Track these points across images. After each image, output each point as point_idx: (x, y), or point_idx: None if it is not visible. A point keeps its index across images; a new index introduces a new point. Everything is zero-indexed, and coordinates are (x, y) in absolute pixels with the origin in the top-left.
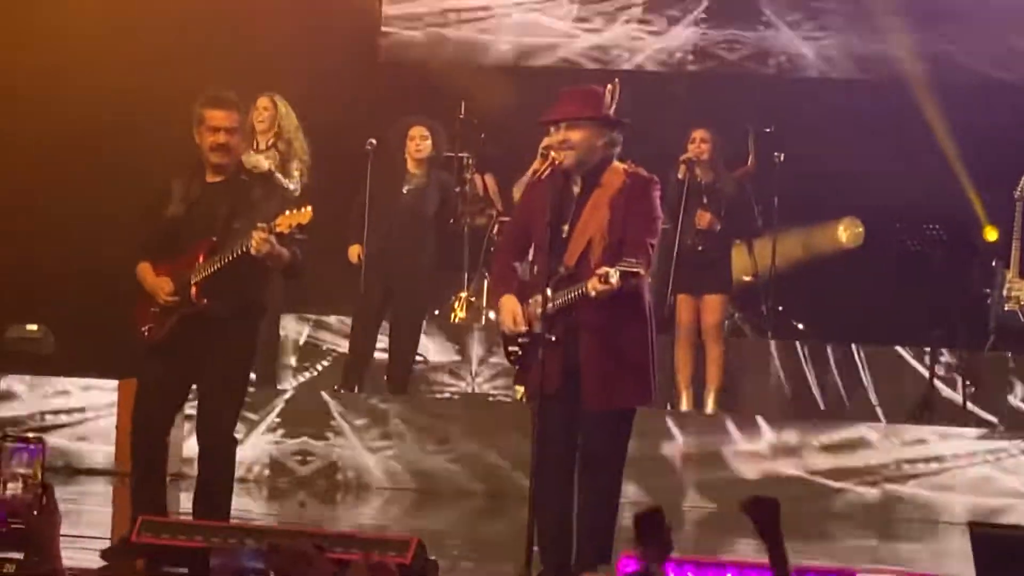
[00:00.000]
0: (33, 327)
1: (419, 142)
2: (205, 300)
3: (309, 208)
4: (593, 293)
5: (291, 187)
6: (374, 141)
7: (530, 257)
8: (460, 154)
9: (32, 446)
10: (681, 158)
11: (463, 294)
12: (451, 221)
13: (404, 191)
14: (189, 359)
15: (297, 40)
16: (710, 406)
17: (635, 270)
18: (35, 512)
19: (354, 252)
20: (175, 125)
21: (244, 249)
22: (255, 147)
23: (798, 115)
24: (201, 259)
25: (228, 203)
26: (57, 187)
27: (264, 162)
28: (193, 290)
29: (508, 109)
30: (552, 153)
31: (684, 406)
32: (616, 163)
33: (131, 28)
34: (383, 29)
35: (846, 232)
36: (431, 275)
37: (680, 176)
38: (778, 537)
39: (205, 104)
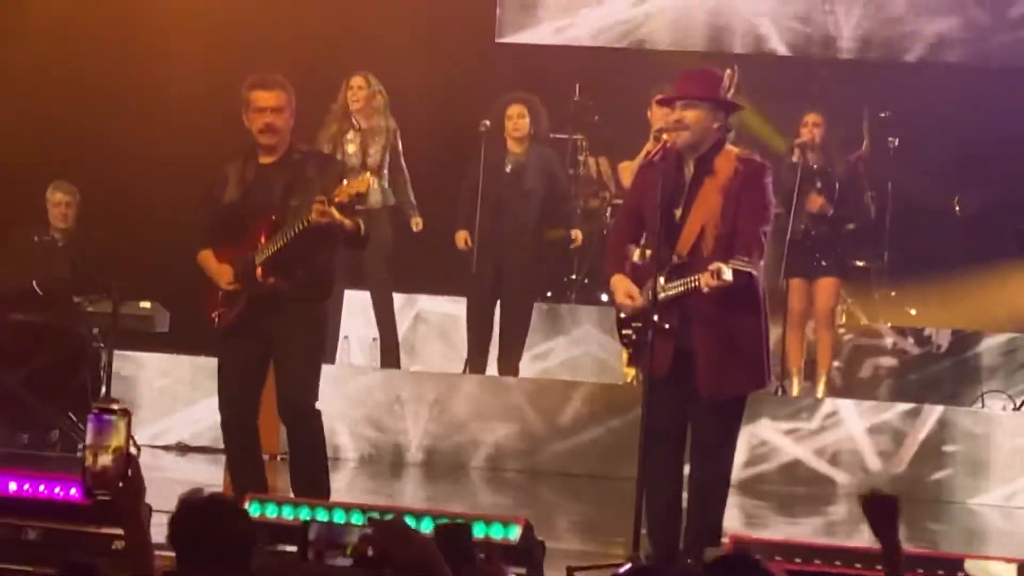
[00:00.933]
0: (146, 304)
1: (516, 121)
2: (272, 280)
3: (367, 175)
4: (706, 289)
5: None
6: (487, 123)
7: (643, 240)
8: (574, 136)
9: (115, 416)
10: (795, 142)
11: (574, 276)
12: (562, 199)
13: (507, 170)
14: (263, 338)
15: (410, 20)
16: (820, 391)
17: (748, 269)
18: (120, 484)
19: (461, 237)
20: None
21: (305, 224)
22: (353, 127)
23: (915, 100)
24: (263, 239)
25: (283, 182)
26: (170, 164)
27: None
28: (259, 271)
29: (623, 91)
30: (665, 135)
31: (794, 391)
32: (729, 147)
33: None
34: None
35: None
36: (542, 256)
37: (794, 160)
38: (894, 536)
39: (251, 87)
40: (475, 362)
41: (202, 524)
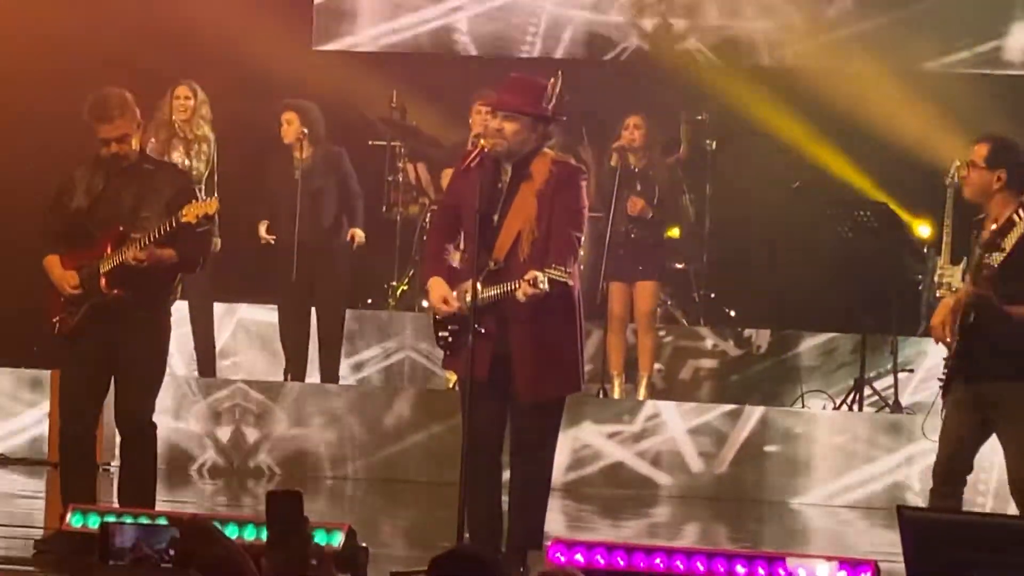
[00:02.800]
0: None
1: (285, 127)
2: (115, 290)
3: (215, 198)
4: (523, 298)
5: (201, 171)
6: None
7: (461, 243)
8: (392, 143)
9: None
10: (614, 145)
11: (395, 283)
12: (352, 196)
13: (296, 176)
14: (105, 347)
15: (227, 27)
16: (642, 393)
17: (563, 279)
18: None
19: (262, 228)
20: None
21: (123, 259)
22: (178, 135)
23: (729, 102)
24: (109, 249)
25: (133, 192)
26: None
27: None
28: (102, 280)
29: (442, 97)
30: (482, 140)
31: (616, 394)
32: (545, 151)
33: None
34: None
35: None
36: (350, 260)
37: (612, 163)
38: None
39: (92, 118)
40: (295, 370)
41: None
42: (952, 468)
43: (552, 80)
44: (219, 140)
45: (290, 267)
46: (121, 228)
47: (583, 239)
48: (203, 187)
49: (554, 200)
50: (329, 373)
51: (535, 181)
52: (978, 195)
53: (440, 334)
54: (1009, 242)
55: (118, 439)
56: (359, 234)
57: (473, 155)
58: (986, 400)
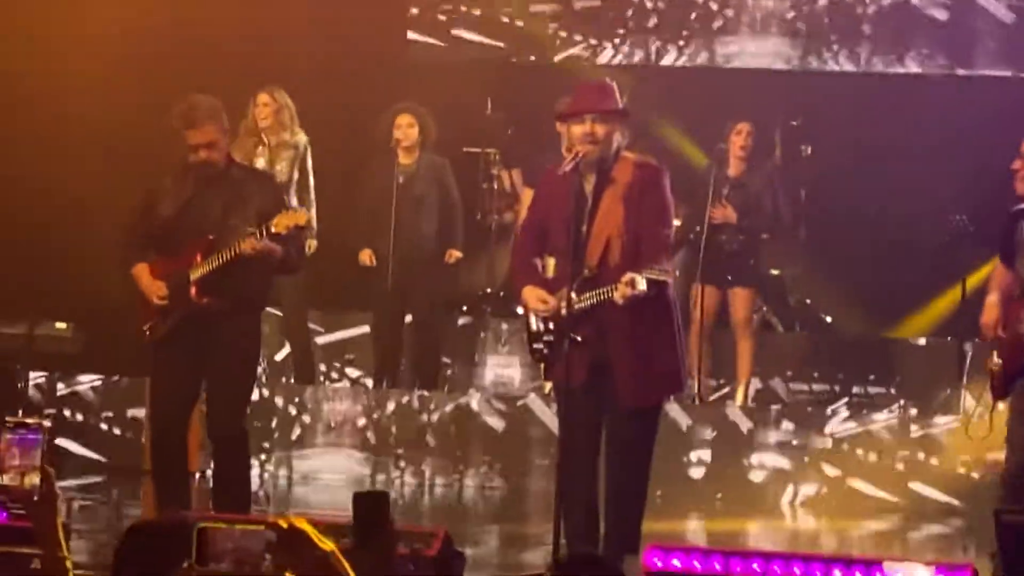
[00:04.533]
0: (62, 325)
1: (406, 130)
2: (205, 299)
3: (304, 210)
4: (621, 301)
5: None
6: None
7: (547, 254)
8: (487, 150)
9: (31, 433)
10: (717, 147)
11: (489, 289)
12: (452, 207)
13: (399, 181)
14: (196, 355)
15: (321, 35)
16: (739, 399)
17: (662, 278)
18: (34, 499)
19: (365, 256)
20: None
21: (237, 251)
22: (263, 143)
23: (825, 109)
24: (199, 258)
25: (222, 200)
26: (83, 183)
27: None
28: (193, 289)
29: (534, 105)
30: (577, 146)
31: (698, 398)
32: (625, 154)
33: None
34: (409, 33)
35: None
36: (450, 268)
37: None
38: None
39: (180, 124)
40: (385, 378)
41: None
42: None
43: (614, 82)
44: (314, 144)
45: (386, 275)
46: (211, 237)
47: (672, 237)
48: (292, 193)
49: (641, 202)
50: (429, 382)
51: (619, 184)
52: None
53: (535, 346)
54: None
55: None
56: (455, 254)
57: (569, 161)
58: None
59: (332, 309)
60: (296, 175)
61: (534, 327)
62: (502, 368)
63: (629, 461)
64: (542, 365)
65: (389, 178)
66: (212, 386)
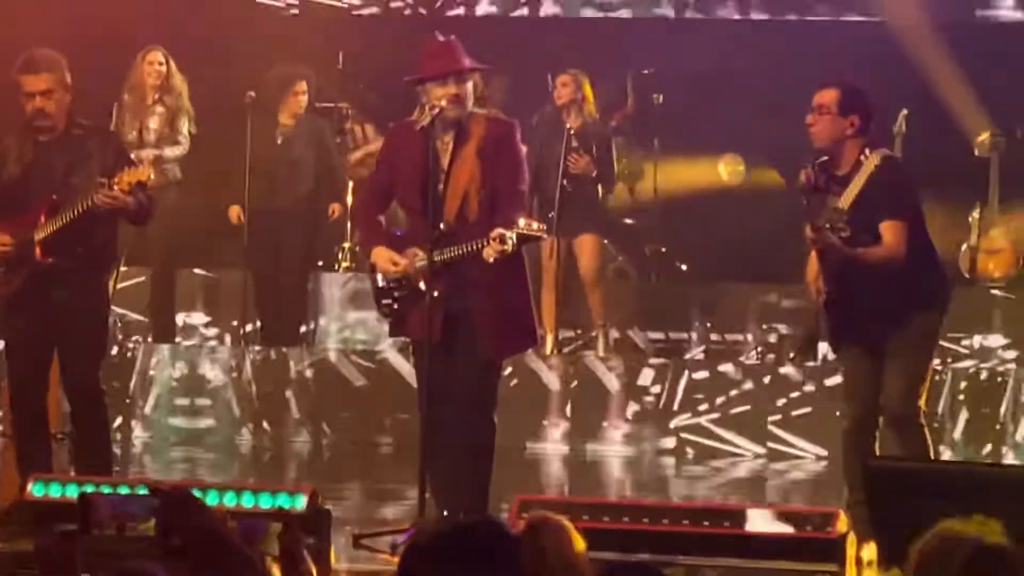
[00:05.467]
0: None
1: (300, 96)
2: (50, 259)
3: (146, 166)
4: (490, 257)
5: (182, 143)
6: (253, 94)
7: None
8: (339, 104)
9: None
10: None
11: (346, 244)
12: (332, 168)
13: (278, 142)
14: (45, 314)
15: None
16: (600, 350)
17: (536, 235)
18: None
19: (234, 213)
20: None
21: (86, 205)
22: (145, 102)
23: (678, 57)
24: (43, 218)
25: (64, 160)
26: None
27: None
28: (37, 250)
29: (384, 57)
30: (441, 103)
31: (548, 350)
32: (475, 110)
33: None
34: None
35: (727, 169)
36: (318, 227)
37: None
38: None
39: (19, 70)
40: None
41: None
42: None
43: (452, 37)
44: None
45: (259, 233)
46: (55, 197)
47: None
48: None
49: (496, 158)
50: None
51: (473, 140)
52: (827, 141)
53: (383, 302)
54: (858, 184)
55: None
56: (337, 208)
57: (426, 117)
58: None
59: (202, 267)
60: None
61: (381, 283)
62: (360, 323)
63: (484, 414)
64: (388, 321)
65: (268, 137)
66: (63, 345)
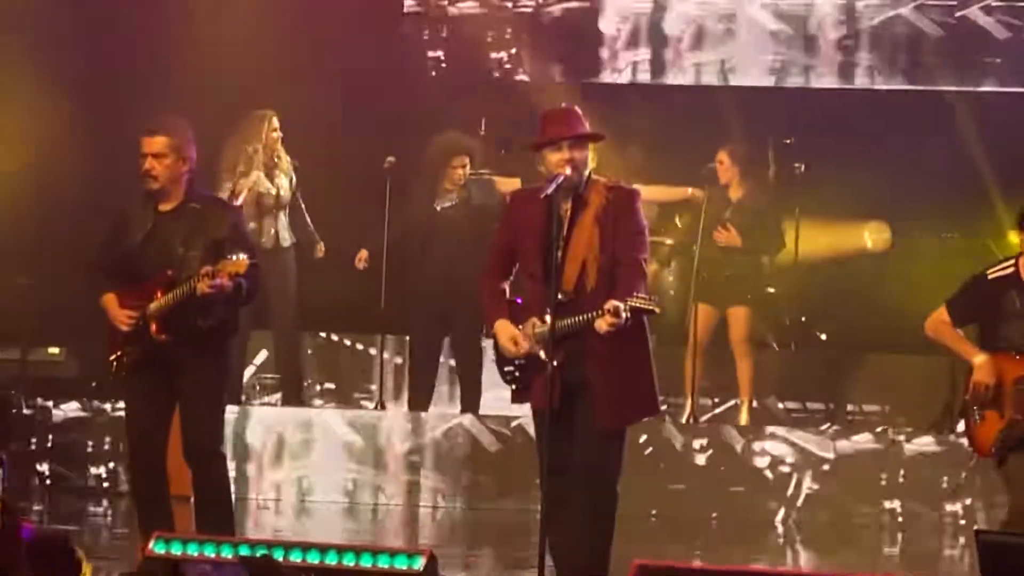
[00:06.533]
0: (55, 350)
1: (460, 170)
2: (164, 336)
3: (244, 257)
4: (603, 330)
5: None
6: (392, 159)
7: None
8: (480, 172)
9: None
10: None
11: None
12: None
13: (438, 208)
14: (167, 379)
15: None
16: (744, 419)
17: (648, 307)
18: None
19: (360, 257)
20: None
21: (191, 289)
22: (267, 164)
23: (818, 125)
24: (159, 293)
25: (182, 233)
26: (76, 208)
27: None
28: (153, 327)
29: (524, 126)
30: (556, 170)
31: (685, 416)
32: (595, 177)
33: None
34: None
35: (872, 236)
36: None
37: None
38: None
39: (141, 131)
40: (417, 399)
41: None
42: None
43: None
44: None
45: (426, 298)
46: (169, 272)
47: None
48: (287, 211)
49: (616, 226)
50: (473, 405)
51: (592, 208)
52: None
53: (506, 369)
54: None
55: None
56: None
57: (550, 185)
58: None
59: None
60: (291, 196)
61: (508, 354)
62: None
63: (605, 483)
64: (511, 388)
65: (428, 204)
66: (185, 410)
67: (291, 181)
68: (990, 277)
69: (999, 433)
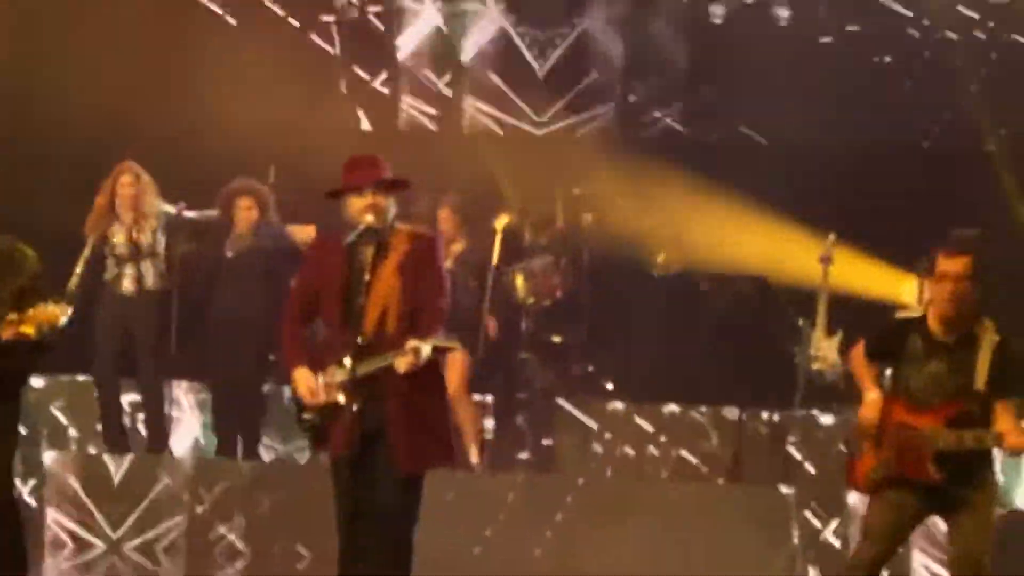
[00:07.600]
0: None
1: (245, 212)
2: None
3: (63, 306)
4: (403, 369)
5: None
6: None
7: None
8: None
9: None
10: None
11: None
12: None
13: (229, 255)
14: None
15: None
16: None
17: (449, 346)
18: None
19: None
20: None
21: None
22: (120, 219)
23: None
24: None
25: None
26: None
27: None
28: None
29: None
30: (359, 217)
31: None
32: (398, 225)
33: None
34: None
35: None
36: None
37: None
38: None
39: None
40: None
41: None
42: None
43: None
44: None
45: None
46: None
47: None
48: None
49: (417, 272)
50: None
51: (395, 255)
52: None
53: (304, 416)
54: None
55: None
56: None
57: (355, 232)
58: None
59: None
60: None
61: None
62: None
63: (400, 531)
64: (309, 436)
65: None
66: None
67: (156, 228)
68: (899, 318)
69: (870, 471)
